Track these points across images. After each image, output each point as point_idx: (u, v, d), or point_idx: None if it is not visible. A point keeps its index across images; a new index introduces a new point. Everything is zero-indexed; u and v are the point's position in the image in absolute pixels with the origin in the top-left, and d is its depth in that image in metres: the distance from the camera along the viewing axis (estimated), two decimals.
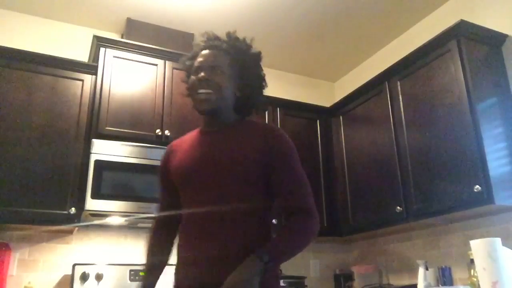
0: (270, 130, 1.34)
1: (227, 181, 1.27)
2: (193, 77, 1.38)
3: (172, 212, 1.44)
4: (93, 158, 2.46)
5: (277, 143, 1.31)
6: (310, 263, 3.35)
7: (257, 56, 1.45)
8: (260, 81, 1.44)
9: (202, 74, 1.34)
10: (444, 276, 2.51)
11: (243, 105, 1.43)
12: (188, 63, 1.47)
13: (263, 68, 1.46)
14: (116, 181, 2.47)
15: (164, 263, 1.47)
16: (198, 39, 1.49)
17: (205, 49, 1.41)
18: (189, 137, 1.47)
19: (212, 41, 1.43)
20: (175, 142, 1.53)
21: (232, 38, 1.44)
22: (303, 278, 2.95)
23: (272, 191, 1.31)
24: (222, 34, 1.46)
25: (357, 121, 3.16)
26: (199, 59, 1.39)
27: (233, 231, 1.24)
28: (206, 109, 1.35)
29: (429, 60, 2.57)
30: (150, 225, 2.75)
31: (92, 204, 2.38)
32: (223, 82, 1.35)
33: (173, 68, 2.88)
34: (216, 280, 1.15)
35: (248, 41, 1.45)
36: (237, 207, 1.25)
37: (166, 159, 1.48)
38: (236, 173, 1.27)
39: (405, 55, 2.74)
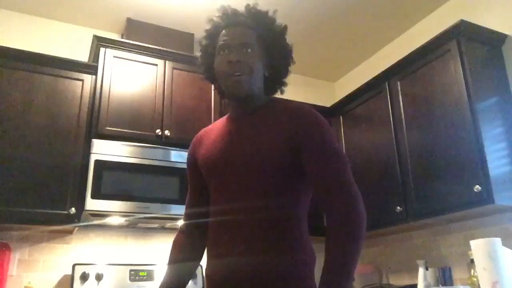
0: (297, 110, 1.21)
1: (255, 173, 1.17)
2: (219, 58, 1.25)
3: (201, 209, 1.35)
4: (93, 158, 2.46)
5: (304, 124, 1.18)
6: None
7: (284, 30, 1.33)
8: (288, 58, 1.33)
9: (233, 55, 1.22)
10: (444, 276, 2.51)
11: (271, 84, 1.33)
12: (205, 42, 1.33)
13: None
14: (116, 181, 2.47)
15: (193, 262, 1.37)
16: (213, 16, 1.33)
17: (229, 25, 1.27)
18: (218, 125, 1.36)
19: (233, 17, 1.29)
20: (202, 131, 1.41)
21: (254, 12, 1.30)
22: None
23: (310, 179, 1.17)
24: (240, 8, 1.32)
25: (357, 121, 3.16)
26: (224, 37, 1.25)
27: (262, 224, 1.15)
28: (239, 94, 1.22)
29: (429, 60, 2.57)
30: (150, 225, 2.79)
31: (92, 204, 2.38)
32: (254, 62, 1.23)
33: (173, 68, 2.88)
34: (245, 274, 1.12)
35: (271, 14, 1.32)
36: (266, 199, 1.16)
37: (193, 150, 1.38)
38: (264, 163, 1.16)
39: (405, 55, 2.74)
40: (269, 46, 1.29)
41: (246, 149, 1.20)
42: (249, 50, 1.23)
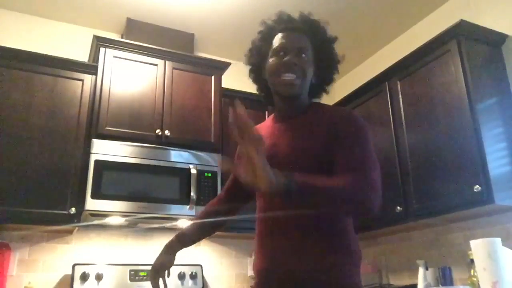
0: (338, 114, 1.26)
1: (298, 170, 1.15)
2: (274, 59, 1.30)
3: (233, 205, 1.49)
4: (93, 158, 2.46)
5: (342, 126, 1.22)
6: None
7: (334, 41, 1.38)
8: (334, 68, 1.38)
9: (289, 57, 1.27)
10: (444, 276, 2.51)
11: (316, 90, 1.38)
12: (259, 43, 1.39)
13: None
14: (116, 181, 2.47)
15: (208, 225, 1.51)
16: (267, 19, 1.41)
17: (286, 30, 1.33)
18: (265, 125, 1.42)
19: (290, 22, 1.36)
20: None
21: (308, 19, 1.38)
22: None
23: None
24: (294, 14, 1.40)
25: None
26: (282, 40, 1.31)
27: (309, 222, 1.19)
28: (291, 94, 1.28)
29: (429, 60, 2.56)
30: (150, 225, 2.79)
31: (92, 204, 2.38)
32: (307, 67, 1.29)
33: (173, 68, 2.88)
34: (294, 270, 1.16)
35: (323, 24, 1.38)
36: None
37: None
38: (305, 165, 1.19)
39: (405, 55, 2.74)
40: (320, 54, 1.34)
41: (290, 149, 1.24)
42: (304, 55, 1.28)
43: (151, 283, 1.43)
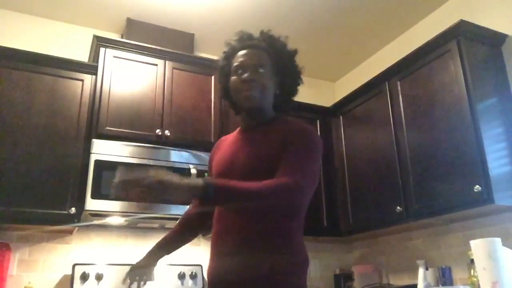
0: (294, 127, 1.33)
1: (251, 176, 1.24)
2: (235, 77, 1.38)
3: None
4: (93, 158, 2.46)
5: (293, 136, 1.29)
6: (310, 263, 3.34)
7: (294, 54, 1.46)
8: (297, 79, 1.47)
9: (247, 74, 1.35)
10: (444, 276, 2.51)
11: (281, 103, 1.46)
12: (223, 63, 1.47)
13: None
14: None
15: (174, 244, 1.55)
16: (230, 39, 1.49)
17: (244, 48, 1.41)
18: (232, 135, 1.52)
19: (249, 40, 1.44)
20: (222, 138, 1.59)
21: (268, 36, 1.45)
22: None
23: None
24: (254, 32, 1.47)
25: (357, 121, 3.16)
26: (240, 58, 1.39)
27: (250, 228, 1.25)
28: (252, 107, 1.37)
29: (429, 60, 2.57)
30: (150, 225, 2.78)
31: (92, 204, 2.38)
32: (267, 81, 1.37)
33: (173, 68, 2.88)
34: (236, 273, 1.21)
35: (283, 39, 1.46)
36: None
37: (212, 155, 1.56)
38: (260, 171, 1.25)
39: (405, 55, 2.74)
40: (280, 68, 1.42)
41: (247, 156, 1.33)
42: (262, 70, 1.36)
43: (122, 279, 1.50)
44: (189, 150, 2.71)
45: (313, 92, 3.91)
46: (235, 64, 1.39)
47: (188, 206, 1.66)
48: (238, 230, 1.26)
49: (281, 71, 1.42)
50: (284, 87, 1.43)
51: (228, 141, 1.49)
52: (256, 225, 1.24)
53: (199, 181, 1.09)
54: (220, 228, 1.32)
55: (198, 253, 2.95)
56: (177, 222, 1.59)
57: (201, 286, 2.77)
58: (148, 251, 1.53)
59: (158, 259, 1.52)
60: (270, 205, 1.17)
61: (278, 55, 1.42)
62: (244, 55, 1.39)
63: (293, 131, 1.31)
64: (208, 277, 1.34)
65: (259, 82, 1.34)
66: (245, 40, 1.44)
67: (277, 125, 1.37)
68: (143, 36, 2.99)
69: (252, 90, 1.33)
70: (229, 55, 1.44)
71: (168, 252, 1.53)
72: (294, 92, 1.47)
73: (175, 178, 1.09)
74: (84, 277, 2.50)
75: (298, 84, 1.47)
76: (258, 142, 1.35)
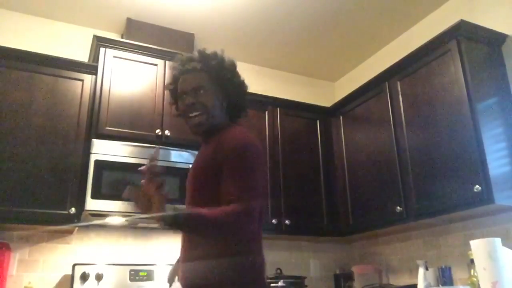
0: (226, 141, 1.37)
1: (193, 191, 1.41)
2: (180, 102, 1.50)
3: None
4: (93, 158, 2.46)
5: (225, 149, 1.35)
6: (310, 263, 3.35)
7: (232, 66, 1.53)
8: (241, 87, 1.54)
9: (188, 99, 1.46)
10: (444, 276, 2.51)
11: (233, 111, 1.54)
12: (171, 87, 1.57)
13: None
14: (116, 181, 2.47)
15: None
16: (174, 63, 1.59)
17: (183, 73, 1.50)
18: None
19: (187, 64, 1.51)
20: None
21: (204, 55, 1.52)
22: (303, 278, 2.95)
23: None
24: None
25: (357, 121, 3.16)
26: (181, 85, 1.49)
27: (192, 237, 1.36)
28: (200, 132, 1.47)
29: (429, 60, 2.57)
30: (150, 225, 2.78)
31: (92, 204, 2.38)
32: (208, 100, 1.45)
33: None
34: (184, 280, 1.34)
35: (220, 53, 1.53)
36: (201, 205, 1.33)
37: None
38: (198, 183, 1.39)
39: (405, 55, 2.74)
40: (222, 82, 1.50)
41: (192, 169, 1.45)
42: (202, 91, 1.45)
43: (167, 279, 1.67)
44: (189, 150, 2.71)
45: (313, 92, 3.91)
46: (178, 90, 1.50)
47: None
48: (188, 244, 1.37)
49: (224, 85, 1.49)
50: (230, 99, 1.51)
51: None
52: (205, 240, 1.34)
53: (170, 213, 1.19)
54: (182, 240, 1.44)
55: None
56: None
57: None
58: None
59: None
60: (225, 232, 1.25)
61: (217, 71, 1.49)
62: (184, 81, 1.48)
63: (224, 146, 1.35)
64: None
65: (201, 104, 1.44)
66: (184, 64, 1.51)
67: (219, 137, 1.41)
68: (143, 36, 2.99)
69: (196, 112, 1.43)
70: (175, 80, 1.54)
71: None
72: (242, 100, 1.55)
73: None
74: (84, 277, 2.50)
75: (243, 93, 1.54)
76: (200, 155, 1.47)
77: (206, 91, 1.45)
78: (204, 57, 1.51)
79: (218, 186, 1.31)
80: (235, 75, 1.54)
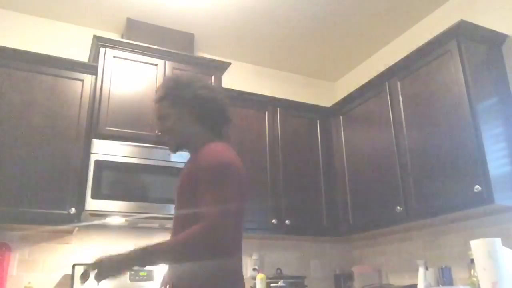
0: (203, 153, 1.41)
1: (179, 208, 1.44)
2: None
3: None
4: (93, 158, 2.46)
5: (200, 166, 1.38)
6: (310, 263, 3.35)
7: (189, 83, 1.54)
8: (212, 102, 1.53)
9: (157, 127, 1.58)
10: (444, 276, 2.51)
11: (215, 125, 1.55)
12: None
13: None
14: (116, 181, 2.47)
15: None
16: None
17: (154, 103, 1.58)
18: None
19: (156, 93, 1.58)
20: None
21: (167, 82, 1.59)
22: (303, 278, 2.95)
23: None
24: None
25: (357, 121, 3.16)
26: (154, 115, 1.60)
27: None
28: (176, 152, 1.58)
29: (429, 60, 2.57)
30: (150, 225, 2.78)
31: (92, 204, 2.38)
32: (173, 124, 1.51)
33: (173, 68, 2.88)
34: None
35: (175, 74, 1.63)
36: (178, 226, 1.41)
37: None
38: (181, 200, 1.43)
39: (405, 55, 2.74)
40: (186, 101, 1.52)
41: (178, 182, 1.49)
42: (166, 119, 1.52)
43: None
44: None
45: (313, 92, 3.91)
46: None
47: None
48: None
49: (189, 102, 1.51)
50: (202, 113, 1.52)
51: None
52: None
53: (131, 252, 1.31)
54: None
55: None
56: None
57: None
58: None
59: None
60: (196, 253, 1.26)
61: (182, 96, 1.51)
62: (154, 110, 1.57)
63: (200, 164, 1.38)
64: None
65: (168, 130, 1.53)
66: (156, 93, 1.58)
67: (198, 154, 1.44)
68: (143, 36, 2.99)
69: (166, 139, 1.54)
70: None
71: None
72: (218, 115, 1.55)
73: (114, 256, 1.33)
74: (84, 277, 2.49)
75: (218, 107, 1.54)
76: (184, 169, 1.50)
77: (169, 117, 1.52)
78: (166, 83, 1.58)
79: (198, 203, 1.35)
80: (202, 94, 1.53)
